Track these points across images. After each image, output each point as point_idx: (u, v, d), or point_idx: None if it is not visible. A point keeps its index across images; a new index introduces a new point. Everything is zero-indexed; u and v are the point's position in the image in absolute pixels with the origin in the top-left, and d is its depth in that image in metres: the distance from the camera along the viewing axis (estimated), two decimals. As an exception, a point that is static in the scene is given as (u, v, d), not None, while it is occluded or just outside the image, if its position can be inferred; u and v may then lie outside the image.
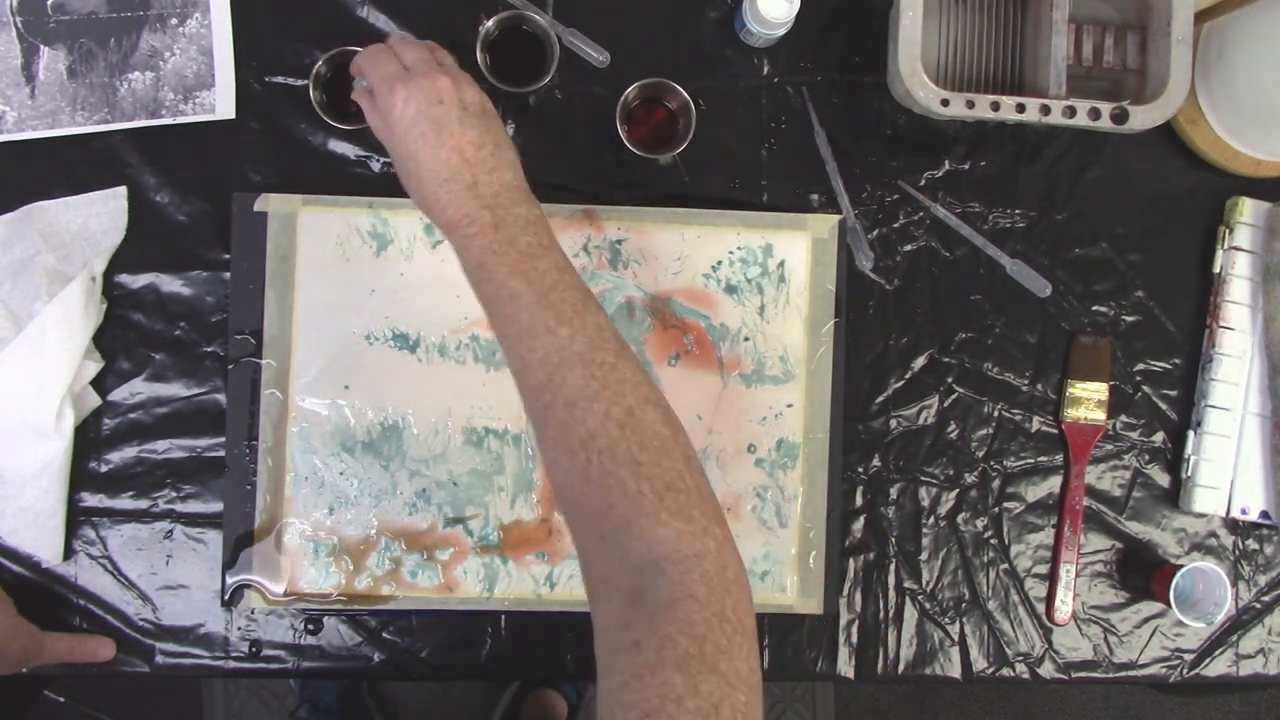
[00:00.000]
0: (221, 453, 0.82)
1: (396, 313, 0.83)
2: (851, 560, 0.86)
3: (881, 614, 0.86)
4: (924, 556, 0.87)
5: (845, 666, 0.86)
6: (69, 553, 0.81)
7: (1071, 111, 0.80)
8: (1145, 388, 0.89)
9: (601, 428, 0.56)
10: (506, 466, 0.83)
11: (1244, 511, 0.88)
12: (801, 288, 0.86)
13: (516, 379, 0.60)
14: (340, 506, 0.82)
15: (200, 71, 0.83)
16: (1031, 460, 0.88)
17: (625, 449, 0.55)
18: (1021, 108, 0.80)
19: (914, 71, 0.79)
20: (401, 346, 0.83)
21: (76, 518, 0.81)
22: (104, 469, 0.82)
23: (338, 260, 0.82)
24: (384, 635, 0.83)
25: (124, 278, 0.83)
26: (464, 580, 0.82)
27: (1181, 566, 0.84)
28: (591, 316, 0.59)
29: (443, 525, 0.82)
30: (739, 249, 0.85)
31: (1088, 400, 0.88)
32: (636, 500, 0.54)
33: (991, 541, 0.87)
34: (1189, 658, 0.89)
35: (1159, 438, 0.89)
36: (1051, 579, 0.87)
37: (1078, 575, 0.87)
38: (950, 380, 0.88)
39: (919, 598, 0.87)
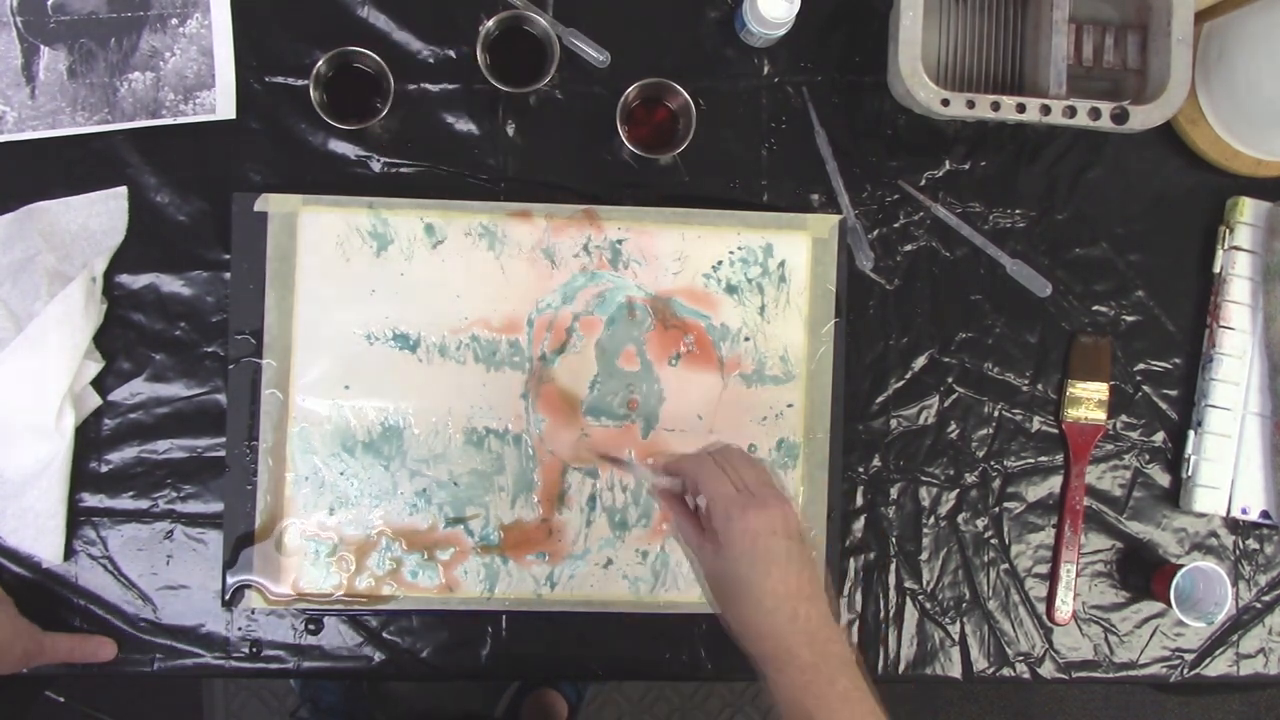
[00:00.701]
0: (221, 453, 0.82)
1: (397, 313, 0.83)
2: (851, 560, 0.86)
3: (881, 614, 0.86)
4: (924, 556, 0.87)
5: (845, 666, 0.86)
6: (69, 553, 0.81)
7: (1071, 111, 0.80)
8: (1145, 387, 0.89)
9: None
10: (507, 466, 0.83)
11: (1244, 511, 0.88)
12: (801, 288, 0.86)
13: None
14: (341, 506, 0.82)
15: (200, 71, 0.83)
16: (1032, 460, 0.88)
17: None
18: (1022, 108, 0.80)
19: (914, 71, 0.79)
20: (402, 346, 0.83)
21: (77, 518, 0.81)
22: (104, 469, 0.82)
23: (338, 260, 0.82)
24: (384, 635, 0.83)
25: (124, 278, 0.82)
26: (464, 580, 0.82)
27: (1182, 566, 0.84)
28: None
29: (443, 525, 0.82)
30: (739, 249, 0.85)
31: (1088, 400, 0.88)
32: None
33: (992, 541, 0.87)
34: (1189, 657, 0.89)
35: (1159, 437, 0.89)
36: (1052, 579, 0.87)
37: (1078, 575, 0.87)
38: (950, 380, 0.88)
39: (919, 598, 0.87)
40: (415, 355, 0.83)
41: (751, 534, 0.61)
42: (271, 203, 0.82)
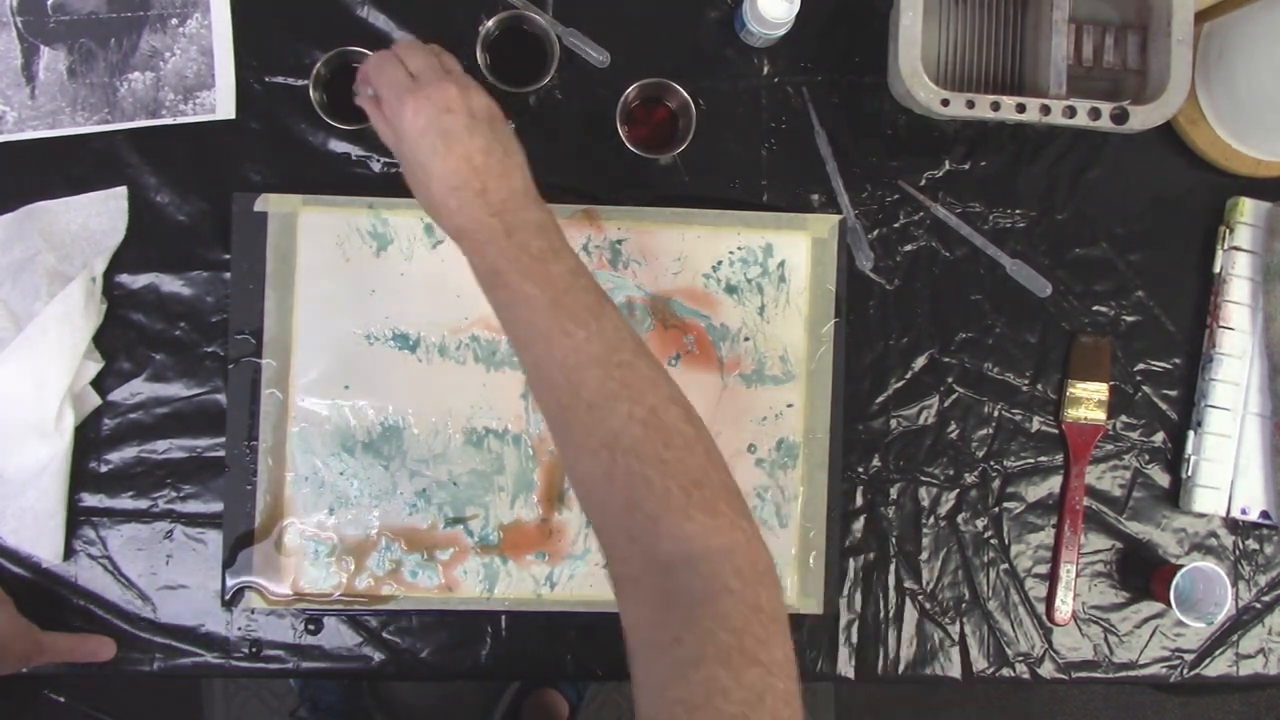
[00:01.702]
0: (221, 453, 0.82)
1: (397, 313, 0.83)
2: (851, 560, 0.86)
3: (881, 614, 0.86)
4: (924, 556, 0.87)
5: (845, 666, 0.86)
6: (69, 553, 0.81)
7: (1071, 111, 0.80)
8: (1145, 388, 0.89)
9: (624, 428, 0.56)
10: (506, 466, 0.83)
11: (1244, 511, 0.88)
12: (801, 288, 0.86)
13: (533, 384, 0.60)
14: (340, 507, 0.82)
15: (200, 71, 0.83)
16: (1032, 460, 0.88)
17: (649, 448, 0.55)
18: (1021, 108, 0.80)
19: (914, 71, 0.79)
20: (402, 346, 0.83)
21: (76, 518, 0.81)
22: (104, 469, 0.82)
23: (338, 260, 0.82)
24: (384, 635, 0.83)
25: (124, 278, 0.82)
26: (464, 580, 0.82)
27: (1181, 566, 0.84)
28: (608, 318, 0.59)
29: (443, 525, 0.82)
30: (739, 249, 0.85)
31: (1088, 400, 0.88)
32: (664, 498, 0.54)
33: (991, 541, 0.87)
34: (1189, 658, 0.89)
35: (1159, 438, 0.89)
36: (1051, 579, 0.87)
37: (1078, 575, 0.87)
38: (950, 380, 0.88)
39: (919, 598, 0.87)
40: (415, 355, 0.83)
41: (422, 115, 0.61)
42: (271, 203, 0.82)
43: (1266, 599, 0.89)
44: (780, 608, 0.54)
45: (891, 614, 0.86)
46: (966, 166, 0.88)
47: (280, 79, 0.84)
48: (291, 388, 0.82)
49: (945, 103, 0.79)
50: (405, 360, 0.83)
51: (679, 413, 0.58)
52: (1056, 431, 0.88)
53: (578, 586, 0.83)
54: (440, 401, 0.83)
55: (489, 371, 0.83)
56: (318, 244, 0.82)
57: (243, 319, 0.82)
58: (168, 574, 0.82)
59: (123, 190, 0.82)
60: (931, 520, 0.87)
